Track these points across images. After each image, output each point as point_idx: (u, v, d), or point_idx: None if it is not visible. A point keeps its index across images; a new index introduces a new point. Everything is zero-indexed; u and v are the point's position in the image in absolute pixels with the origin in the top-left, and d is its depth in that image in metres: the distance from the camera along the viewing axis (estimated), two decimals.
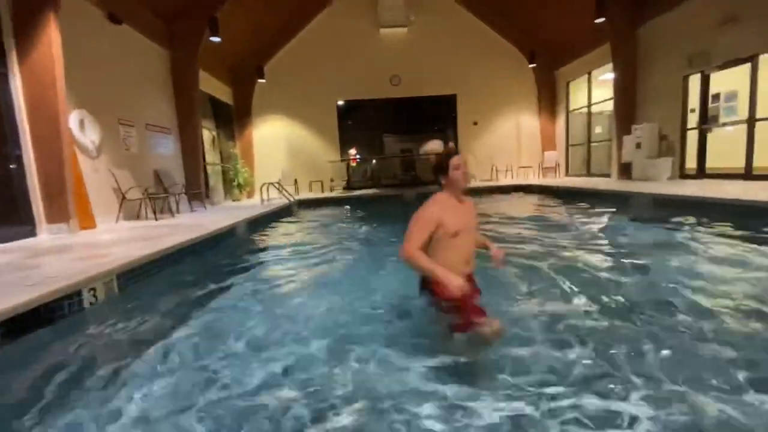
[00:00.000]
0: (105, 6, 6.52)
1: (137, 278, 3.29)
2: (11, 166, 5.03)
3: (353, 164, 13.62)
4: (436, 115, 15.51)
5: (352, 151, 13.59)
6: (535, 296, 2.72)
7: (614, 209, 6.29)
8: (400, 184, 13.94)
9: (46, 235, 5.13)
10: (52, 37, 5.02)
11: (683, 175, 8.58)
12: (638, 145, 9.06)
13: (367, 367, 1.89)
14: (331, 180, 12.90)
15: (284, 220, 7.79)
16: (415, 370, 1.82)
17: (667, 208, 5.61)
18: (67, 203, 5.23)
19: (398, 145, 17.59)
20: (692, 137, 8.41)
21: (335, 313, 2.58)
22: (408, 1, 12.31)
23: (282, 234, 6.29)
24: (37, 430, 1.55)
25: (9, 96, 4.96)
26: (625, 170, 9.64)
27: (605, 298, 2.58)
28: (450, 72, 12.95)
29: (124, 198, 6.38)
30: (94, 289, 2.81)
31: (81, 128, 5.85)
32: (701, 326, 2.10)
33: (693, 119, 8.43)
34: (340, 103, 13.19)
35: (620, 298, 2.58)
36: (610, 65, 9.86)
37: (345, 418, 1.52)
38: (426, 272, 1.87)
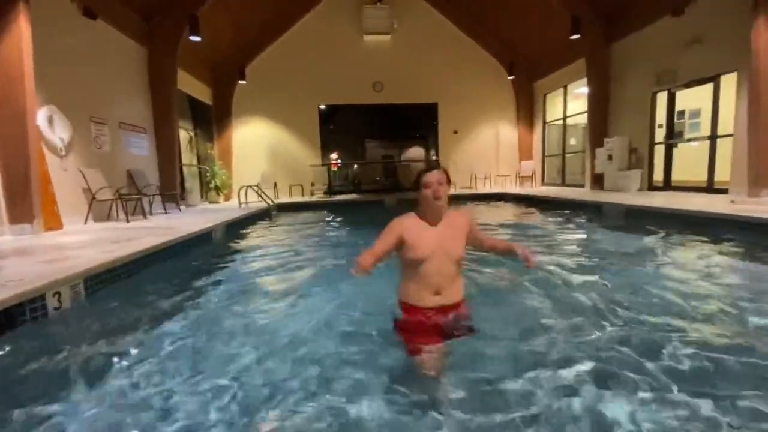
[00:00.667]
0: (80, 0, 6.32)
1: (106, 282, 3.17)
2: None
3: (334, 169, 13.59)
4: (418, 123, 15.67)
5: (334, 156, 13.56)
6: (506, 302, 2.78)
7: (587, 218, 6.53)
8: (381, 189, 13.98)
9: (8, 236, 4.89)
10: (21, 29, 4.83)
11: (651, 186, 8.97)
12: (610, 157, 9.42)
13: (332, 386, 1.79)
14: (312, 184, 12.83)
15: (262, 223, 7.67)
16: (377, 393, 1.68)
17: (637, 218, 5.87)
18: (31, 203, 5.01)
19: (380, 150, 17.65)
20: (659, 151, 8.82)
21: (307, 323, 2.52)
22: (392, 9, 12.47)
23: (259, 238, 6.19)
24: None
25: None
26: (598, 181, 10.00)
27: (575, 303, 2.67)
28: (432, 80, 13.15)
29: (93, 198, 6.15)
30: (59, 293, 2.70)
31: (50, 125, 5.62)
32: (669, 330, 2.20)
33: (660, 134, 8.85)
34: (322, 107, 13.16)
35: (588, 302, 2.67)
36: (585, 79, 10.25)
37: None
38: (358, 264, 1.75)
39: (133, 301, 3.00)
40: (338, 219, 8.36)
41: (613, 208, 6.63)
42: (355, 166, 14.40)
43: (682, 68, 7.86)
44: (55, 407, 1.65)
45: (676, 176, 8.66)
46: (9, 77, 4.86)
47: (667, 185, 8.65)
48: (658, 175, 8.87)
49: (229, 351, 2.17)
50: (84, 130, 6.48)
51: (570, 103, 11.90)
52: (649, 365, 1.83)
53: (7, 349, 2.18)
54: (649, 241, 4.55)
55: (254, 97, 12.40)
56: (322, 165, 13.00)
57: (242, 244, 5.72)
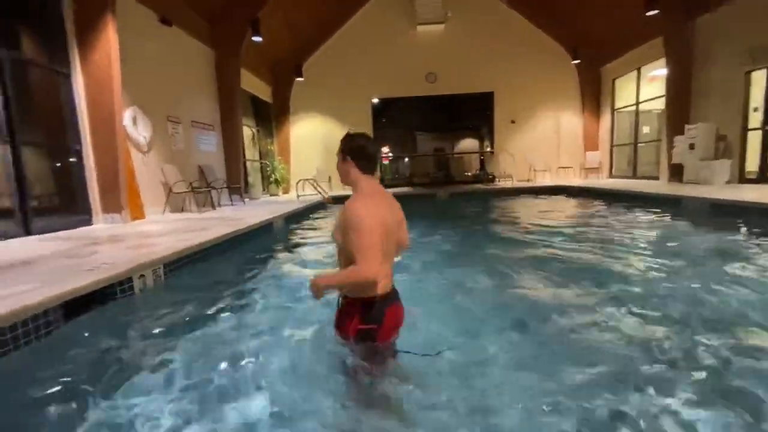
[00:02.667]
0: (157, 9, 6.89)
1: (182, 266, 3.45)
2: (71, 160, 5.42)
3: (385, 162, 13.63)
4: (472, 113, 15.22)
5: (385, 149, 13.61)
6: (579, 307, 2.59)
7: (665, 214, 5.93)
8: (433, 182, 13.82)
9: (101, 224, 5.50)
10: (109, 39, 5.36)
11: (743, 179, 7.94)
12: (691, 146, 8.47)
13: None
14: None
15: (318, 214, 7.94)
16: None
17: (724, 215, 5.21)
18: (120, 195, 5.58)
19: (431, 143, 17.44)
20: (754, 138, 7.76)
21: None
22: None
23: (315, 228, 6.41)
24: (90, 403, 1.66)
25: (71, 95, 5.35)
26: (676, 172, 9.06)
27: (652, 311, 2.42)
28: (488, 69, 12.67)
29: (170, 191, 6.72)
30: (143, 276, 2.98)
31: (134, 125, 6.21)
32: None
33: (755, 119, 7.78)
34: (375, 101, 13.24)
35: (669, 311, 2.42)
36: (662, 61, 9.28)
37: None
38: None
39: (206, 284, 3.26)
40: None
41: (696, 202, 5.96)
42: (406, 159, 14.34)
43: None
44: (139, 370, 1.91)
45: None
46: (100, 83, 5.43)
47: (763, 177, 7.60)
48: (752, 166, 7.82)
49: (287, 331, 2.33)
50: (162, 129, 7.09)
51: (644, 87, 10.85)
52: (744, 382, 1.61)
53: (104, 321, 2.46)
54: (739, 240, 4.03)
55: (310, 93, 12.78)
56: None
57: (300, 233, 5.95)
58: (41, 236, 4.56)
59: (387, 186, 12.62)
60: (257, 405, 1.63)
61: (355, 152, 1.66)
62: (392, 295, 1.70)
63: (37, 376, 1.84)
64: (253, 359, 2.00)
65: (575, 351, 2.00)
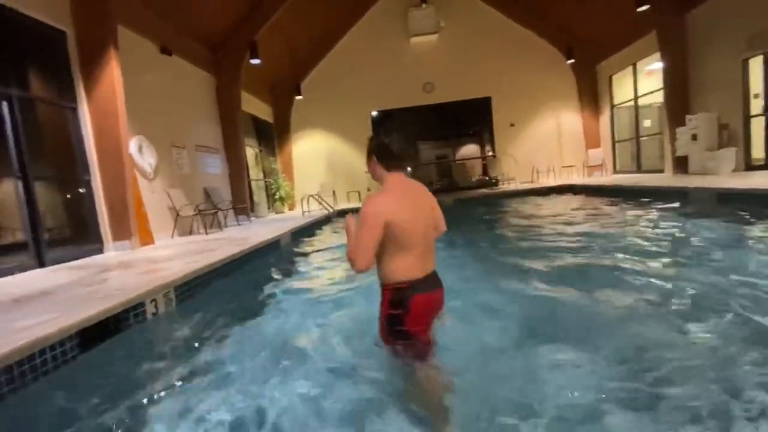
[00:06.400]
0: (157, 40, 7.10)
1: (192, 289, 3.50)
2: (81, 191, 5.55)
3: None
4: (471, 119, 15.32)
5: None
6: (591, 306, 2.57)
7: (673, 206, 5.87)
8: (437, 190, 13.85)
9: (111, 251, 5.60)
10: (113, 71, 5.53)
11: (750, 166, 7.85)
12: (694, 137, 8.42)
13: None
14: (368, 189, 13.04)
15: (324, 229, 8.00)
16: None
17: (733, 204, 5.15)
18: (129, 222, 5.69)
19: (433, 151, 17.54)
20: (758, 125, 7.70)
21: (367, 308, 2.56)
22: (438, 8, 12.36)
23: (323, 243, 6.45)
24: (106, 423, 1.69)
25: (78, 127, 5.51)
26: (681, 164, 8.99)
27: (669, 306, 2.40)
28: (484, 75, 12.79)
29: (178, 215, 6.83)
30: (155, 300, 3.02)
31: (140, 153, 6.36)
32: None
33: (757, 105, 7.73)
34: (374, 113, 13.39)
35: (684, 305, 2.39)
36: (658, 54, 9.30)
37: None
38: None
39: (217, 304, 3.29)
40: None
41: (702, 193, 5.90)
42: (409, 168, 14.42)
43: None
44: (156, 392, 1.94)
45: None
46: (106, 115, 5.59)
47: None
48: (758, 153, 7.74)
49: (302, 344, 2.35)
50: (167, 155, 7.23)
51: (641, 81, 10.85)
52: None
53: (118, 348, 2.50)
54: (749, 230, 3.98)
55: (310, 111, 12.98)
56: None
57: (308, 248, 6.00)
58: (55, 267, 4.65)
59: None
60: (273, 424, 1.65)
61: (378, 151, 1.79)
62: (423, 283, 1.73)
63: (68, 397, 1.91)
64: (271, 377, 2.01)
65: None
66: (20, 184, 4.65)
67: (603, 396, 1.59)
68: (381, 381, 1.81)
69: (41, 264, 4.70)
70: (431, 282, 1.77)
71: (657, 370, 1.72)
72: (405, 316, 1.70)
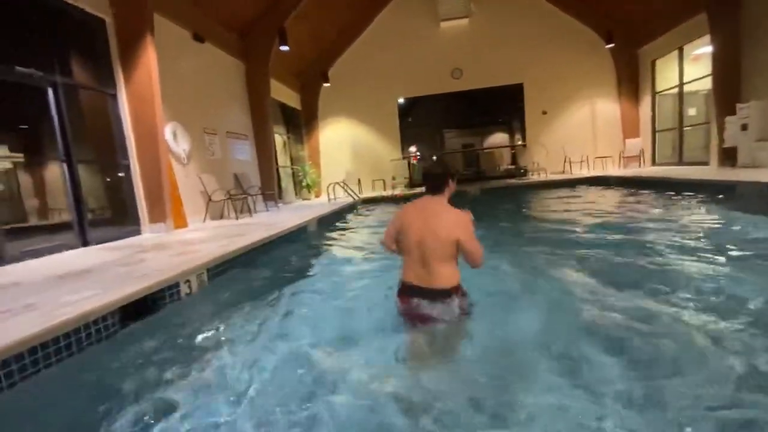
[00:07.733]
0: (190, 27, 7.23)
1: (224, 271, 3.60)
2: (121, 174, 5.80)
3: (414, 162, 13.62)
4: (501, 107, 14.88)
5: (413, 149, 13.58)
6: (628, 310, 2.43)
7: (717, 202, 5.52)
8: (463, 179, 13.63)
9: (148, 233, 5.84)
10: (149, 58, 5.68)
11: None
12: (744, 127, 7.85)
13: None
14: (393, 178, 12.98)
15: (350, 216, 8.05)
16: None
17: None
18: (164, 205, 5.90)
19: (459, 140, 17.21)
20: None
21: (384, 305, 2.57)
22: None
23: (349, 229, 6.50)
24: (147, 396, 1.78)
25: (118, 114, 5.72)
26: (728, 156, 8.42)
27: (716, 310, 2.24)
28: (516, 60, 12.34)
29: (210, 200, 7.03)
30: (189, 281, 3.13)
31: (174, 139, 6.55)
32: None
33: None
34: (401, 101, 13.23)
35: (734, 308, 2.24)
36: (707, 38, 8.67)
37: None
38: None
39: (247, 285, 3.40)
40: None
41: (752, 187, 5.51)
42: (434, 157, 14.22)
43: None
44: (189, 370, 2.02)
45: None
46: (143, 101, 5.77)
47: None
48: None
49: (326, 326, 2.46)
50: (199, 141, 7.42)
51: (687, 67, 10.16)
52: None
53: (155, 326, 2.61)
54: None
55: (337, 98, 12.95)
56: (402, 158, 13.10)
57: (334, 234, 6.06)
58: (96, 246, 4.90)
59: (414, 185, 12.58)
60: (311, 400, 1.69)
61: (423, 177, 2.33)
62: (404, 287, 2.13)
63: (110, 369, 2.05)
64: (302, 352, 2.10)
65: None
66: (65, 167, 4.90)
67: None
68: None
69: (85, 243, 4.97)
70: (414, 291, 2.06)
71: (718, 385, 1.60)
72: (397, 305, 2.19)
